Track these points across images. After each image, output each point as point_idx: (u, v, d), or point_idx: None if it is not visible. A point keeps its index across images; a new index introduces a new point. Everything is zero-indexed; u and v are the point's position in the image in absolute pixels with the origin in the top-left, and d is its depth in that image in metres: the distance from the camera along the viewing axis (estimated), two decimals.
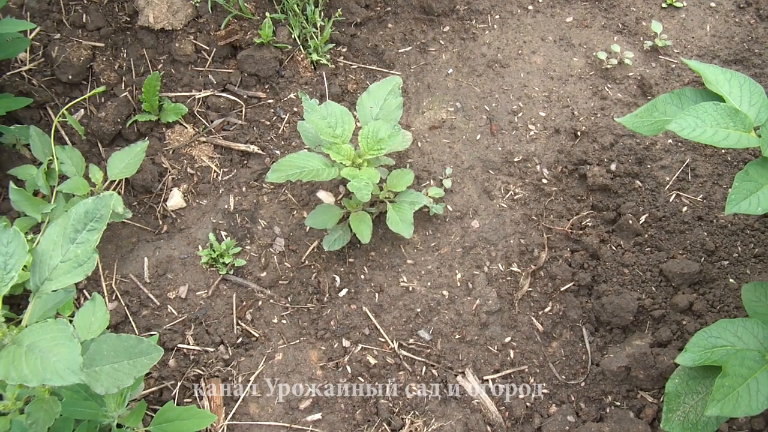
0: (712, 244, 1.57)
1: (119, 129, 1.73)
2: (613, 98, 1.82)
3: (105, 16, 1.81)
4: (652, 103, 1.32)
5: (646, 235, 1.60)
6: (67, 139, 1.70)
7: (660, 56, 1.91)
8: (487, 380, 1.47)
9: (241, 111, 1.81)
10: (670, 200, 1.65)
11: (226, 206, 1.66)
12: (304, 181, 1.66)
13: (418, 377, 1.47)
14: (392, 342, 1.50)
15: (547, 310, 1.54)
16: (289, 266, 1.60)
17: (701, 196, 1.66)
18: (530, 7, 2.02)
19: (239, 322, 1.54)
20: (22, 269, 1.03)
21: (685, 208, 1.64)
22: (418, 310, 1.53)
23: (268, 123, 1.80)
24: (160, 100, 1.76)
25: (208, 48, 1.85)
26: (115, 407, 1.15)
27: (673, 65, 1.89)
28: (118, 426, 1.19)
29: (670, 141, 1.75)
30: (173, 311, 1.55)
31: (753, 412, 1.06)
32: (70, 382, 0.83)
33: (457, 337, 1.50)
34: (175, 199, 1.66)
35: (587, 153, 1.71)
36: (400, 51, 1.92)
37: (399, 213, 1.54)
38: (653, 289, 1.53)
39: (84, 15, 1.80)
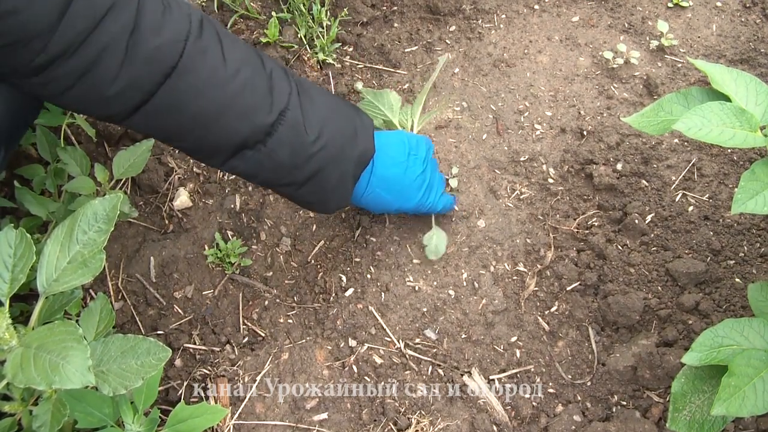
0: (718, 243, 1.57)
1: (125, 128, 1.73)
2: (619, 98, 1.82)
3: None
4: (659, 103, 1.31)
5: (652, 235, 1.60)
6: (73, 138, 1.70)
7: (666, 56, 1.91)
8: (493, 380, 1.47)
9: None
10: (676, 200, 1.65)
11: (232, 206, 1.67)
12: None
13: (425, 377, 1.47)
14: (398, 341, 1.50)
15: (553, 309, 1.54)
16: (296, 266, 1.61)
17: (707, 195, 1.65)
18: (536, 7, 2.02)
19: (246, 321, 1.55)
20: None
21: (691, 208, 1.64)
22: (424, 309, 1.53)
23: None
24: None
25: None
26: (133, 419, 1.14)
27: (680, 65, 1.89)
28: None
29: (676, 140, 1.74)
30: (179, 311, 1.56)
31: (759, 412, 1.06)
32: (80, 384, 0.82)
33: (463, 336, 1.50)
34: (182, 199, 1.67)
35: (593, 152, 1.70)
36: (406, 50, 1.92)
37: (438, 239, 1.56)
38: (659, 288, 1.53)
39: None
